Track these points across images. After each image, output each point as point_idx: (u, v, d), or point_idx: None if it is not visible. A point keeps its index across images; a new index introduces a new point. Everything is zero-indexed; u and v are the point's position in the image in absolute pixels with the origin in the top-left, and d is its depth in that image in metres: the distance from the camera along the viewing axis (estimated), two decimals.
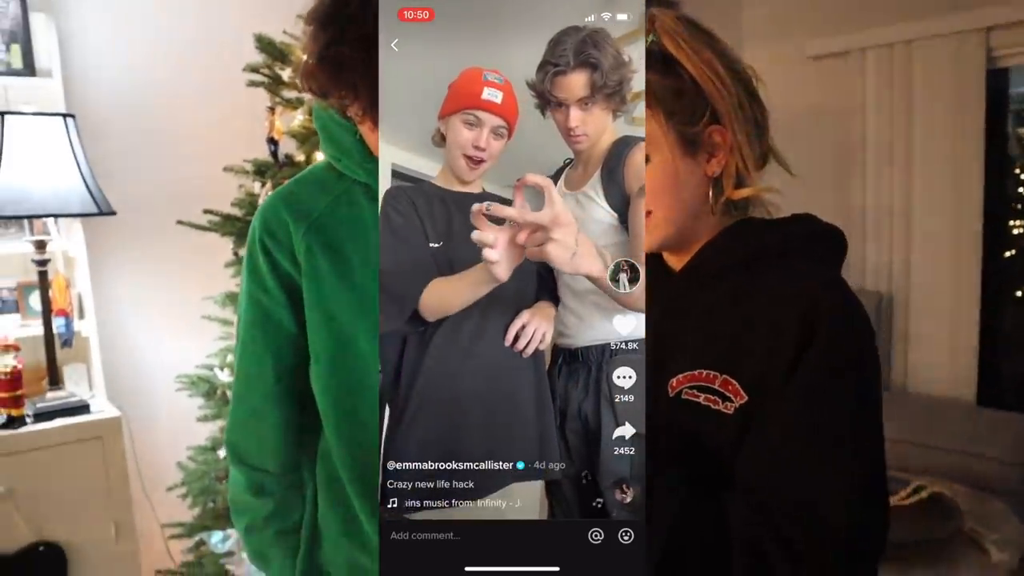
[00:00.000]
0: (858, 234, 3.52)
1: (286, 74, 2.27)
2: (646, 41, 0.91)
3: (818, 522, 0.78)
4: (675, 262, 0.98)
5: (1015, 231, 3.78)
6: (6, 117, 2.05)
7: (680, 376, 0.89)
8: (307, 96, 2.25)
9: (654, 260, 0.99)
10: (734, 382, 0.85)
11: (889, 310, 3.53)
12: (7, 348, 2.10)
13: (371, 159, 1.08)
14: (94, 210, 2.14)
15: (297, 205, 1.10)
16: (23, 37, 2.37)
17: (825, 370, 0.81)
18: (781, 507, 0.80)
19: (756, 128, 0.91)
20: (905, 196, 3.53)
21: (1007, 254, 3.66)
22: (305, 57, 1.03)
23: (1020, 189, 3.85)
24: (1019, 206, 3.68)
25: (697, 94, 0.89)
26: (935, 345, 3.41)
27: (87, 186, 2.14)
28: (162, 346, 2.66)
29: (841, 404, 0.82)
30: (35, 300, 2.40)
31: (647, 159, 0.90)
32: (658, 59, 0.89)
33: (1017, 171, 3.85)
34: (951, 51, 3.33)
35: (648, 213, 0.92)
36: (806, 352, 0.81)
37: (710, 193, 0.92)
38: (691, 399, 0.88)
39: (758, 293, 0.87)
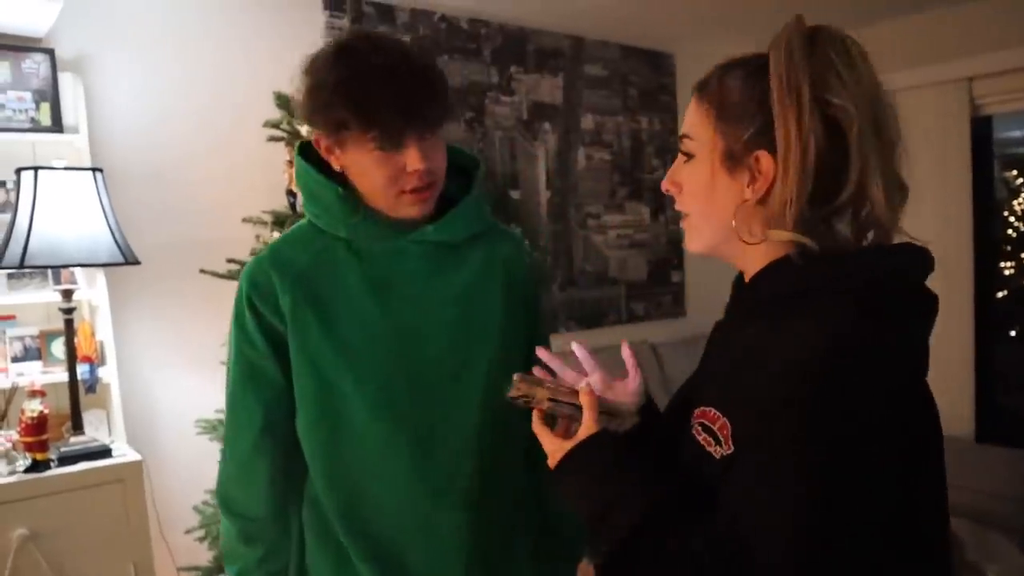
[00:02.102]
0: None
1: (304, 129, 2.38)
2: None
3: None
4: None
5: (1005, 272, 3.88)
6: (39, 172, 2.14)
7: (699, 409, 0.87)
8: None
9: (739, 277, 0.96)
10: (729, 427, 0.81)
11: None
12: (34, 394, 2.16)
13: (353, 215, 1.15)
14: (121, 260, 2.23)
15: (282, 261, 1.17)
16: (52, 95, 2.48)
17: (791, 438, 0.74)
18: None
19: (827, 176, 0.81)
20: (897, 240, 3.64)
21: (999, 294, 3.75)
22: (313, 97, 1.09)
23: (1008, 231, 3.96)
24: (1008, 248, 3.79)
25: (759, 107, 0.83)
26: (933, 385, 3.47)
27: (114, 237, 2.23)
28: (180, 392, 2.72)
29: (802, 482, 0.73)
30: (56, 347, 2.47)
31: (690, 156, 0.90)
32: (754, 66, 0.85)
33: (1005, 214, 3.97)
34: (935, 100, 3.47)
35: (688, 214, 0.93)
36: (784, 413, 0.75)
37: (734, 218, 0.86)
38: (695, 435, 0.86)
39: (766, 340, 0.82)
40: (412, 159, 1.09)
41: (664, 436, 0.96)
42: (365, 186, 1.14)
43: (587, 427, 0.90)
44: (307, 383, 1.15)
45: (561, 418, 0.95)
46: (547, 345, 1.36)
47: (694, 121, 0.90)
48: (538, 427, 0.95)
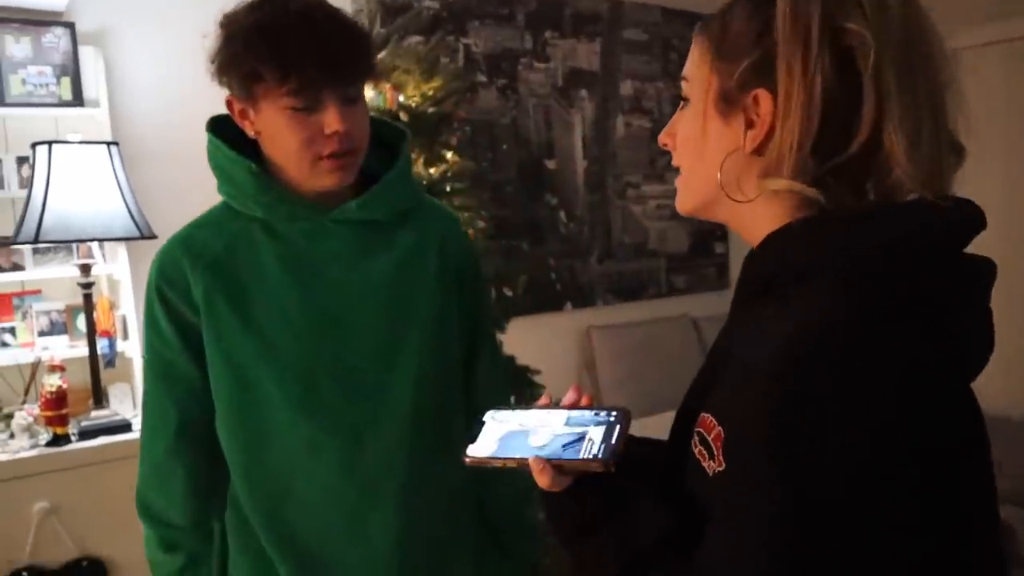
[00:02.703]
0: None
1: None
2: None
3: None
4: None
5: None
6: (53, 146, 2.13)
7: (702, 415, 0.72)
8: None
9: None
10: (723, 438, 0.67)
11: None
12: (54, 368, 2.17)
13: (267, 192, 1.07)
14: (136, 234, 2.21)
15: (194, 247, 1.09)
16: (72, 70, 2.47)
17: (754, 463, 0.62)
18: None
19: (836, 120, 0.67)
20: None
21: None
22: (226, 48, 1.03)
23: None
24: None
25: (760, 38, 0.70)
26: (989, 363, 3.29)
27: (130, 211, 2.21)
28: None
29: (763, 523, 0.61)
30: (83, 322, 2.48)
31: (687, 100, 0.77)
32: (765, 3, 0.71)
33: None
34: (1000, 60, 3.24)
35: (679, 168, 0.80)
36: (752, 427, 0.63)
37: (719, 172, 0.73)
38: (693, 447, 0.72)
39: (751, 331, 0.70)
40: (331, 120, 1.01)
41: (672, 453, 0.81)
42: (279, 153, 1.06)
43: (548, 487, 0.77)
44: (223, 379, 1.08)
45: None
46: (487, 330, 1.26)
47: (692, 60, 0.78)
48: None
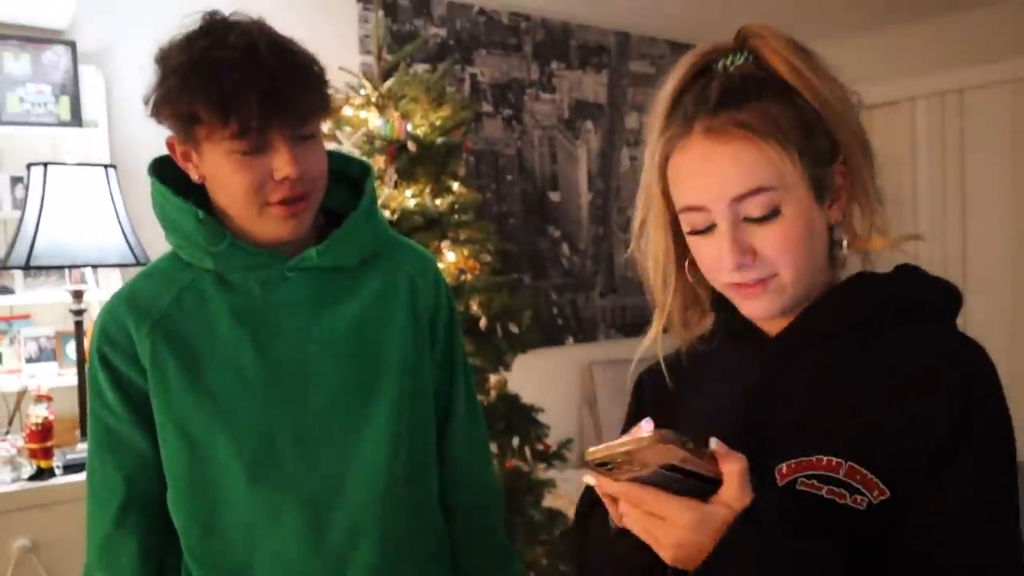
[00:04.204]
0: None
1: (326, 127, 2.26)
2: (742, 58, 0.78)
3: None
4: (769, 326, 0.82)
5: None
6: (49, 167, 2.06)
7: (792, 463, 0.75)
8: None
9: (744, 323, 0.83)
10: (864, 471, 0.71)
11: None
12: (40, 399, 2.08)
13: (218, 241, 0.97)
14: (131, 260, 2.14)
15: (139, 303, 1.00)
16: (72, 89, 2.41)
17: (994, 449, 0.72)
18: None
19: (871, 163, 0.79)
20: (959, 244, 3.42)
21: None
22: (161, 86, 0.93)
23: None
24: None
25: (822, 128, 0.75)
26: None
27: (125, 237, 2.14)
28: None
29: (1011, 484, 0.73)
30: (73, 349, 2.40)
31: (778, 212, 0.74)
32: (775, 88, 0.75)
33: None
34: (1009, 99, 3.23)
35: (773, 275, 0.76)
36: (967, 428, 0.70)
37: (827, 244, 0.79)
38: (809, 490, 0.73)
39: (890, 358, 0.75)
40: (281, 163, 0.90)
41: None
42: (225, 199, 0.96)
43: (738, 497, 0.67)
44: (173, 447, 0.98)
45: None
46: (463, 378, 1.16)
47: (774, 169, 0.73)
48: (660, 494, 0.68)
